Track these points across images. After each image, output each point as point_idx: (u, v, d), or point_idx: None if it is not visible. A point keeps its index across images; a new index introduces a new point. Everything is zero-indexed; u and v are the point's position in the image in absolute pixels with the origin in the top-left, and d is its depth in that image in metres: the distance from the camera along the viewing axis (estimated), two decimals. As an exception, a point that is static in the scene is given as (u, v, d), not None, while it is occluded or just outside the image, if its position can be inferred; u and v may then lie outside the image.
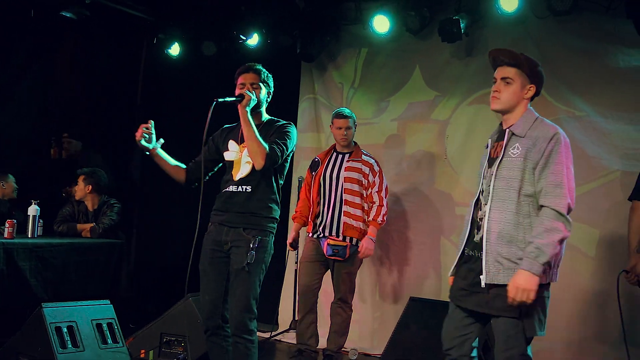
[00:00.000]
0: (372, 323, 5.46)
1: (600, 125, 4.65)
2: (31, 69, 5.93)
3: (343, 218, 4.63)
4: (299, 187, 5.82)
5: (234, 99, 3.21)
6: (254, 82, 3.33)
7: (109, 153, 6.26)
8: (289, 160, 3.42)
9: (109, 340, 4.10)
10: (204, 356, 3.75)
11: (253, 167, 3.24)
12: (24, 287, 4.33)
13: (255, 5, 5.75)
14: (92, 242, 4.94)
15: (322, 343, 5.02)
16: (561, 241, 2.56)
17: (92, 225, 5.18)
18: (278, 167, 3.33)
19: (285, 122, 3.40)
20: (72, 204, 5.39)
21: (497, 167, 2.69)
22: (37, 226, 4.75)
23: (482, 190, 2.78)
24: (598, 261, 4.56)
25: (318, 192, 4.76)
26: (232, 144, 3.40)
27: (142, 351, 4.50)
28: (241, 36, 5.71)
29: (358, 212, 4.65)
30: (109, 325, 4.16)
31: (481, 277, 2.64)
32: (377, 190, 4.67)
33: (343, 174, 4.68)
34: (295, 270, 5.77)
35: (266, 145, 3.19)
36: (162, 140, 3.35)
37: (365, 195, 4.68)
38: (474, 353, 2.80)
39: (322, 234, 4.70)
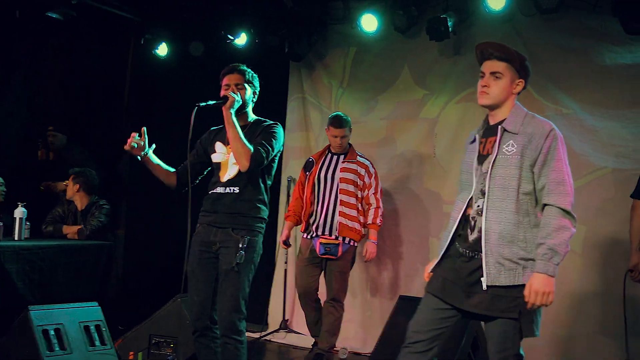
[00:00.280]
0: (362, 322, 5.46)
1: (587, 123, 4.67)
2: (17, 71, 5.88)
3: (339, 218, 4.67)
4: (289, 187, 5.84)
5: (217, 101, 3.19)
6: (238, 82, 3.31)
7: (97, 153, 6.21)
8: (276, 161, 3.41)
9: (97, 343, 4.07)
10: (193, 357, 3.74)
11: None
12: (11, 290, 4.27)
13: (242, 5, 5.74)
14: (80, 244, 4.90)
15: (311, 341, 5.05)
16: (569, 238, 2.54)
17: (79, 227, 5.14)
18: (265, 167, 3.31)
19: (271, 122, 3.39)
20: (62, 204, 5.35)
21: (492, 166, 2.61)
22: (24, 228, 4.70)
23: (474, 188, 2.70)
24: (585, 258, 4.59)
25: (312, 192, 4.79)
26: (219, 145, 3.39)
27: (131, 353, 4.47)
28: (229, 36, 5.69)
29: (354, 213, 4.71)
30: (97, 327, 4.13)
31: (482, 279, 2.56)
32: (373, 192, 4.74)
33: (338, 174, 4.73)
34: (285, 270, 5.77)
35: (251, 147, 3.18)
36: (153, 146, 3.32)
37: (360, 197, 4.74)
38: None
39: (315, 234, 4.73)
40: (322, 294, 4.88)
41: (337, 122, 4.73)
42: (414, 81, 5.46)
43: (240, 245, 3.18)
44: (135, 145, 3.21)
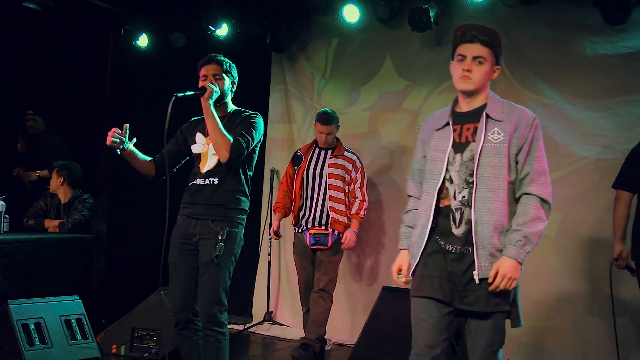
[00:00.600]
0: (346, 313, 5.47)
1: (568, 113, 4.70)
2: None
3: (330, 213, 4.75)
4: (272, 179, 5.83)
5: (195, 92, 3.16)
6: (216, 73, 3.28)
7: (77, 145, 6.14)
8: (257, 151, 3.38)
9: (78, 336, 4.06)
10: (176, 350, 3.72)
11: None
12: (-10, 284, 4.24)
13: (223, -5, 5.69)
14: (61, 238, 4.86)
15: (301, 332, 5.06)
16: (542, 229, 2.51)
17: (60, 221, 5.09)
18: (246, 158, 3.29)
19: (251, 112, 3.36)
20: (45, 197, 5.30)
21: (480, 154, 2.48)
22: (3, 222, 4.65)
23: (450, 179, 2.55)
24: (563, 247, 4.62)
25: (301, 186, 4.86)
26: (199, 136, 3.35)
27: (114, 346, 4.46)
28: (210, 27, 5.63)
29: (342, 207, 4.80)
30: (78, 321, 4.12)
31: (474, 272, 2.46)
32: (359, 186, 4.82)
33: (327, 170, 4.80)
34: (269, 261, 5.77)
35: (230, 138, 3.15)
36: (134, 140, 3.27)
37: (347, 191, 4.81)
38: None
39: (305, 227, 4.81)
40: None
41: (325, 118, 4.77)
42: (396, 72, 5.45)
43: (220, 237, 3.16)
44: (117, 141, 3.16)
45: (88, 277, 4.98)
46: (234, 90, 3.41)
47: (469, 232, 2.49)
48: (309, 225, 4.79)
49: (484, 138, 2.51)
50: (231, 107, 3.40)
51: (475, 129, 2.54)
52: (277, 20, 5.55)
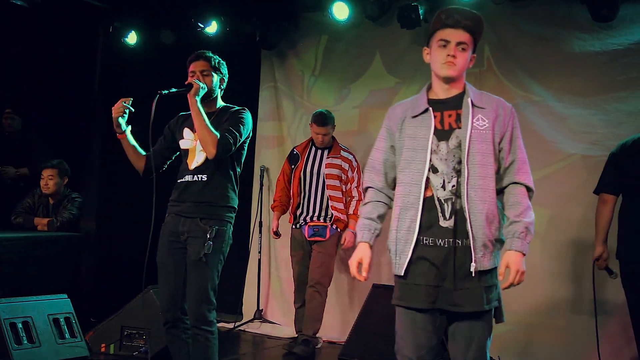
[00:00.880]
0: (336, 310, 5.47)
1: (556, 110, 4.72)
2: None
3: (333, 212, 4.81)
4: (261, 176, 5.83)
5: (181, 89, 3.15)
6: (204, 69, 3.27)
7: (66, 143, 6.10)
8: (245, 147, 3.36)
9: (67, 335, 4.04)
10: (166, 349, 3.71)
11: None
12: (-23, 283, 4.22)
13: (213, -8, 5.67)
14: (50, 236, 4.83)
15: (291, 330, 5.06)
16: None
17: (49, 219, 5.06)
18: (234, 154, 3.27)
19: (239, 107, 3.34)
20: (33, 195, 5.26)
21: (470, 141, 2.39)
22: (-9, 221, 4.63)
23: (433, 168, 2.41)
24: (552, 243, 4.65)
25: (298, 186, 4.91)
26: (187, 131, 3.33)
27: (103, 345, 4.44)
28: (199, 24, 5.62)
29: (342, 206, 4.87)
30: (67, 319, 4.10)
31: (472, 265, 2.34)
32: (356, 185, 4.88)
33: (324, 170, 4.85)
34: (259, 259, 5.76)
35: (217, 134, 3.14)
36: (130, 127, 3.27)
37: (345, 190, 4.88)
38: None
39: (304, 222, 4.86)
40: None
41: (321, 120, 4.81)
42: (386, 69, 5.45)
43: (208, 236, 3.14)
44: (126, 112, 3.15)
45: (77, 275, 4.97)
46: (223, 87, 3.39)
47: (459, 223, 2.37)
48: (307, 220, 4.84)
49: (472, 124, 2.41)
50: (220, 103, 3.38)
51: (458, 115, 2.44)
52: (267, 17, 5.54)
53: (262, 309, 5.77)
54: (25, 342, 3.79)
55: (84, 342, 4.17)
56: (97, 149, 6.47)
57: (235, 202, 3.32)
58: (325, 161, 4.87)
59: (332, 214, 4.81)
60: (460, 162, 2.40)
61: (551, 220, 4.65)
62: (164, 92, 3.07)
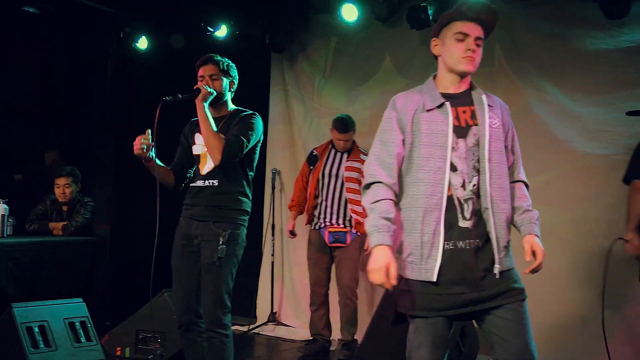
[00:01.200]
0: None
1: (570, 109, 4.67)
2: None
3: (353, 215, 4.80)
4: (273, 179, 5.84)
5: (187, 95, 3.14)
6: (213, 73, 3.25)
7: (79, 149, 6.15)
8: (257, 152, 3.35)
9: (82, 339, 4.06)
10: (181, 352, 3.72)
11: None
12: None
13: (222, -4, 5.69)
14: (65, 240, 4.86)
15: (306, 333, 5.07)
16: None
17: (64, 223, 5.09)
18: (245, 159, 3.26)
19: (249, 112, 3.33)
20: (44, 202, 5.29)
21: (490, 139, 2.31)
22: (7, 225, 4.66)
23: (452, 166, 2.30)
24: (569, 244, 4.57)
25: (316, 187, 4.92)
26: (198, 137, 3.32)
27: (118, 348, 4.46)
28: (209, 28, 5.64)
29: (361, 209, 4.82)
30: (82, 323, 4.12)
31: (495, 267, 2.26)
32: None
33: (344, 173, 4.86)
34: (272, 262, 5.76)
35: (223, 139, 3.12)
36: (154, 150, 3.20)
37: None
38: None
39: (323, 224, 4.86)
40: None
41: (342, 126, 4.83)
42: (396, 70, 5.43)
43: (221, 239, 3.14)
44: (145, 147, 3.10)
45: (92, 279, 4.98)
46: (233, 89, 3.38)
47: (479, 223, 2.28)
48: (327, 223, 4.84)
49: (489, 122, 2.33)
50: (231, 106, 3.37)
51: (472, 112, 2.35)
52: (276, 20, 5.55)
53: (276, 312, 5.77)
54: (42, 346, 3.82)
55: (99, 345, 4.19)
56: (110, 154, 6.51)
57: (248, 206, 3.31)
58: (344, 164, 4.88)
59: (351, 217, 4.81)
60: (479, 161, 2.31)
61: (566, 220, 4.57)
62: (168, 98, 3.07)
